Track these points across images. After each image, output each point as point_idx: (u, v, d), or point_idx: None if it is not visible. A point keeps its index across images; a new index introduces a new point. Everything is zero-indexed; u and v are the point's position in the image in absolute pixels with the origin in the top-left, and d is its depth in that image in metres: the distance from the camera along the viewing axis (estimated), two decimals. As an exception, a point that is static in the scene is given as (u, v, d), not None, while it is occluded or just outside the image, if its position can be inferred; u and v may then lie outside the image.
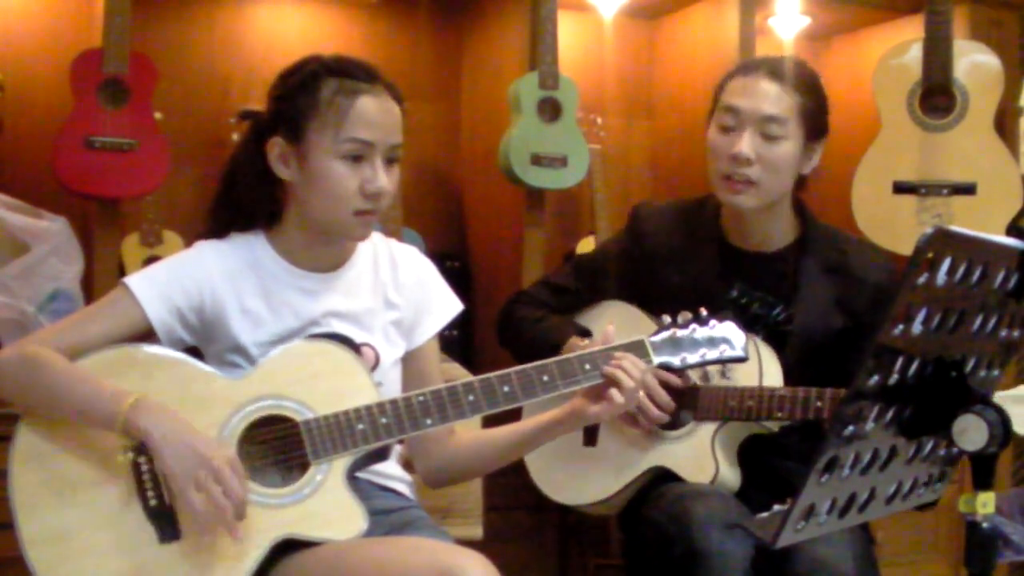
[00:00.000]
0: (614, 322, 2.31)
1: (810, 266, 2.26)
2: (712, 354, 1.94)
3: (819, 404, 2.11)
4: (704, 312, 1.95)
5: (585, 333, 2.31)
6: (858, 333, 2.25)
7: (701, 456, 2.19)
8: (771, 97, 2.21)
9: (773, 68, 2.25)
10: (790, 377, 2.18)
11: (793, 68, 2.27)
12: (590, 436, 2.33)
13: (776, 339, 2.23)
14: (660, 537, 2.05)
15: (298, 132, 1.82)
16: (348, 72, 1.83)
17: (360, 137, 1.80)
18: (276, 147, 1.84)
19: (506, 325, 2.44)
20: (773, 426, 2.19)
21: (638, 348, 1.91)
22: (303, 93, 1.82)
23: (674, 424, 2.24)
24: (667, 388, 2.19)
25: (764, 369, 2.17)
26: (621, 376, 1.85)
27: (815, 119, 2.26)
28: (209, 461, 1.65)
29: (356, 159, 1.81)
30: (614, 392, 1.86)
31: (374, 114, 1.82)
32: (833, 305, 2.25)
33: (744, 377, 2.18)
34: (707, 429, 2.20)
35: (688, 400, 2.22)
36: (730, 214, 2.31)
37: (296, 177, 1.84)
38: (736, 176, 2.20)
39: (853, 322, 2.25)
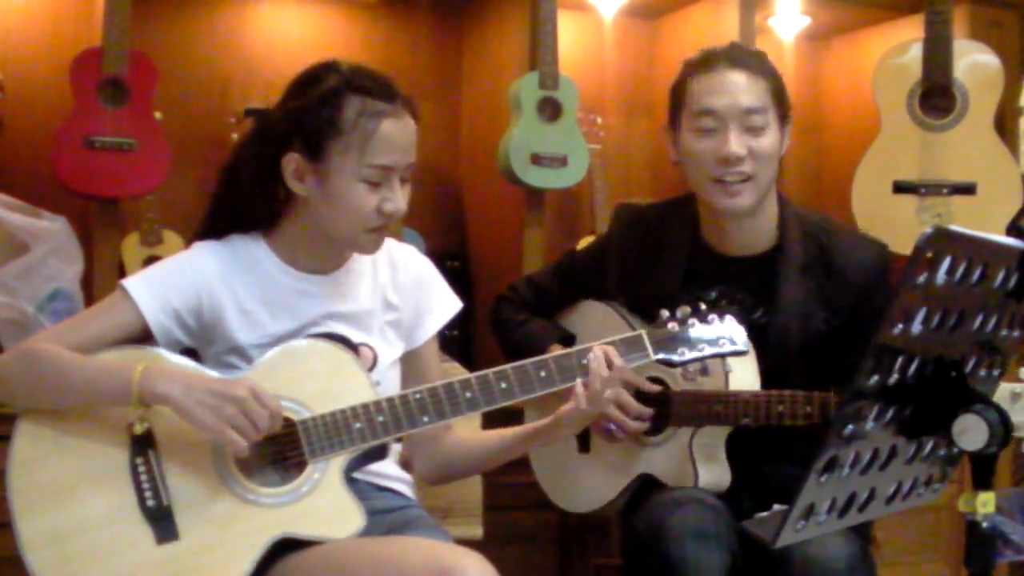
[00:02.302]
0: (593, 322, 2.31)
1: (788, 268, 2.19)
2: (712, 349, 1.92)
3: (780, 408, 2.09)
4: (703, 307, 1.94)
5: (568, 339, 2.31)
6: (844, 332, 2.18)
7: (680, 461, 2.18)
8: (744, 88, 2.14)
9: (732, 57, 2.17)
10: (772, 379, 2.15)
11: (749, 52, 2.22)
12: (583, 443, 2.33)
13: (754, 341, 2.14)
14: (639, 546, 2.05)
15: (318, 151, 1.80)
16: (370, 90, 1.80)
17: (383, 163, 1.80)
18: (292, 163, 1.82)
19: (494, 324, 2.45)
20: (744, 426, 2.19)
21: (636, 343, 1.90)
22: (324, 111, 1.79)
23: (655, 430, 2.23)
24: (644, 395, 2.19)
25: (730, 373, 2.12)
26: (590, 375, 1.85)
27: (784, 98, 2.20)
28: (232, 396, 1.66)
29: (377, 181, 1.81)
30: (578, 386, 1.85)
31: (396, 138, 1.81)
32: (813, 305, 2.18)
33: (711, 381, 2.12)
34: (684, 433, 2.18)
35: (661, 406, 2.21)
36: (710, 219, 2.23)
37: (312, 193, 1.83)
38: (729, 177, 2.13)
39: (836, 319, 2.18)
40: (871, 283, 2.19)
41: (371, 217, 1.82)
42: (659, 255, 2.28)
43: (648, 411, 2.17)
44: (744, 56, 2.18)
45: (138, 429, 1.72)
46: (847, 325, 2.18)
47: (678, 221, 2.29)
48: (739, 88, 2.14)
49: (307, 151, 1.81)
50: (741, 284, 2.22)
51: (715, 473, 2.18)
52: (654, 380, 2.20)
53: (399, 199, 1.83)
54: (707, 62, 2.18)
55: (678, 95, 2.21)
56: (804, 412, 2.09)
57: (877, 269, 2.21)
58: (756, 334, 2.16)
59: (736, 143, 2.12)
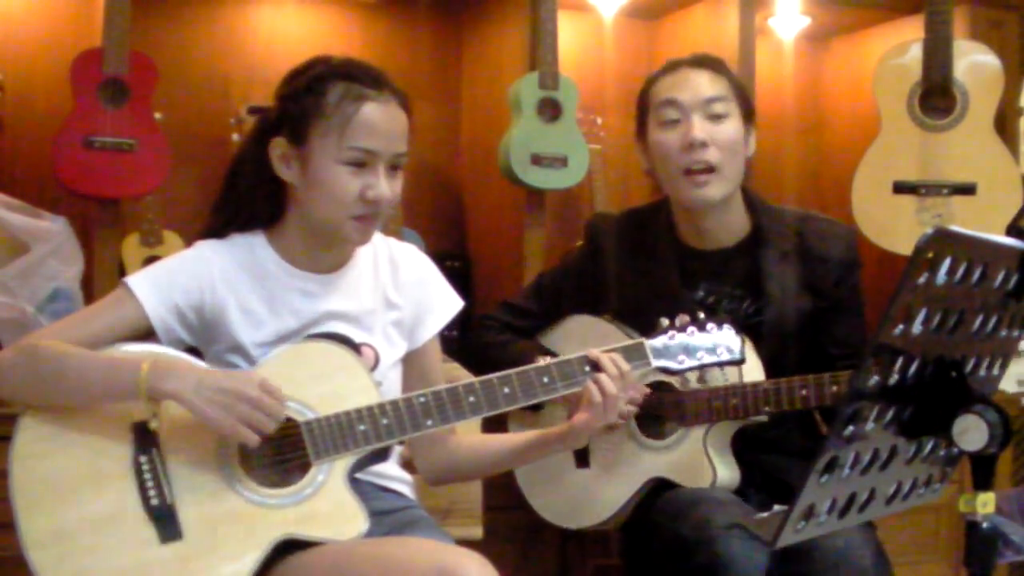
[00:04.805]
0: (583, 335, 2.31)
1: (769, 255, 2.26)
2: (710, 357, 1.94)
3: (804, 392, 2.11)
4: (702, 315, 1.96)
5: (550, 355, 2.31)
6: (828, 311, 2.26)
7: (696, 461, 2.18)
8: (705, 81, 2.24)
9: (694, 60, 2.28)
10: (769, 367, 2.18)
11: (710, 57, 2.30)
12: (581, 458, 2.32)
13: (749, 332, 2.21)
14: (677, 544, 2.04)
15: (301, 134, 1.81)
16: (355, 77, 1.82)
17: (363, 146, 1.80)
18: (278, 148, 1.84)
19: (473, 351, 2.42)
20: (761, 417, 2.19)
21: (637, 351, 1.91)
22: (308, 95, 1.81)
23: (660, 433, 2.23)
24: (654, 399, 2.20)
25: (743, 367, 2.15)
26: (605, 381, 1.85)
27: (746, 99, 2.28)
28: (245, 394, 1.66)
29: (359, 165, 1.81)
30: (593, 392, 1.85)
31: (378, 122, 1.81)
32: (799, 289, 2.25)
33: (723, 375, 2.16)
34: (697, 433, 2.19)
35: (671, 407, 2.22)
36: (684, 215, 2.29)
37: (297, 179, 1.84)
38: (696, 165, 2.20)
39: (821, 301, 2.26)
40: (846, 262, 2.28)
41: (354, 203, 1.81)
42: (648, 258, 2.31)
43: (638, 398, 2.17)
44: (706, 59, 2.28)
45: (154, 425, 1.71)
46: (830, 305, 2.26)
47: (656, 224, 2.34)
48: (700, 81, 2.24)
49: (291, 136, 1.82)
50: (726, 277, 2.27)
51: (730, 470, 2.19)
52: (658, 382, 2.21)
53: (383, 186, 1.81)
54: (670, 65, 2.30)
55: (643, 101, 2.31)
56: (831, 392, 2.09)
57: (850, 249, 2.30)
58: (749, 324, 2.19)
59: (699, 128, 2.20)
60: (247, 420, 1.66)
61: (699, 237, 2.29)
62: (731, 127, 2.22)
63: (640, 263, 2.31)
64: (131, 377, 1.68)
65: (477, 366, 2.36)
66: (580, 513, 2.34)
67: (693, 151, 2.19)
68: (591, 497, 2.31)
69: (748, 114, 2.28)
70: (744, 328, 2.21)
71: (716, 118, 2.21)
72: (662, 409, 2.21)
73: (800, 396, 2.11)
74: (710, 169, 2.19)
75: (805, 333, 2.25)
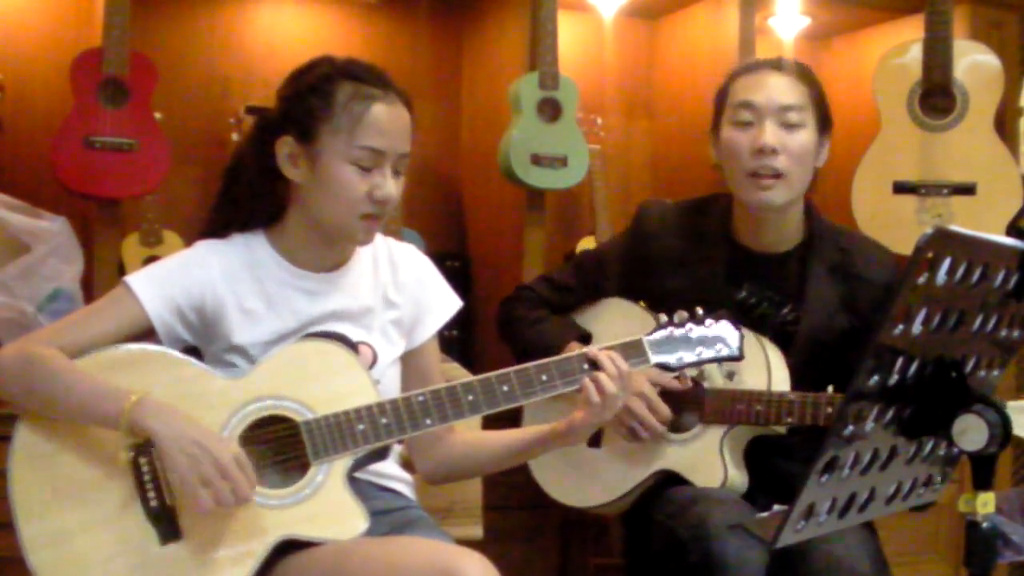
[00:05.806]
0: (617, 320, 2.31)
1: (816, 266, 2.26)
2: (708, 353, 1.94)
3: (829, 410, 2.10)
4: (700, 311, 1.95)
5: (585, 338, 2.30)
6: (862, 332, 2.24)
7: (709, 460, 2.18)
8: (784, 87, 2.22)
9: (776, 64, 2.27)
10: (795, 377, 2.18)
11: (794, 63, 2.30)
12: (594, 437, 2.32)
13: (782, 339, 2.22)
14: (673, 542, 2.04)
15: (310, 133, 1.82)
16: (362, 78, 1.83)
17: (373, 146, 1.81)
18: (286, 147, 1.84)
19: (505, 322, 2.44)
20: (780, 428, 2.19)
21: (635, 347, 1.91)
22: (316, 95, 1.82)
23: (679, 427, 2.23)
24: (668, 392, 2.19)
25: (773, 373, 2.16)
26: (603, 380, 1.85)
27: (825, 109, 2.27)
28: (216, 458, 1.65)
29: (367, 167, 1.81)
30: (591, 391, 1.85)
31: (387, 122, 1.82)
32: (839, 305, 2.25)
33: (752, 380, 2.17)
34: (715, 432, 2.19)
35: (693, 402, 2.22)
36: (744, 214, 2.28)
37: (304, 178, 1.84)
38: (763, 170, 2.19)
39: (858, 322, 2.24)
40: (889, 289, 2.25)
41: (362, 202, 1.82)
42: (698, 250, 2.30)
43: (668, 414, 2.18)
44: (788, 64, 2.27)
45: (123, 457, 1.69)
46: (864, 326, 2.24)
47: (710, 218, 2.33)
48: (778, 86, 2.22)
49: (300, 135, 1.83)
50: (771, 281, 2.27)
51: (741, 475, 2.19)
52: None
53: (390, 186, 1.83)
54: (751, 65, 2.29)
55: (720, 97, 2.30)
56: None
57: (893, 275, 2.28)
58: (784, 331, 2.19)
59: (771, 134, 2.19)
60: (208, 482, 1.64)
61: (754, 238, 2.29)
62: (804, 137, 2.21)
63: (688, 256, 2.30)
64: (115, 408, 1.68)
65: (508, 338, 2.41)
66: (584, 492, 2.34)
67: (763, 156, 2.18)
68: (597, 478, 2.31)
69: (824, 125, 2.27)
70: (779, 334, 2.22)
71: (790, 127, 2.20)
72: (683, 402, 2.21)
73: (824, 413, 2.11)
74: (777, 175, 2.19)
75: (837, 349, 2.24)
